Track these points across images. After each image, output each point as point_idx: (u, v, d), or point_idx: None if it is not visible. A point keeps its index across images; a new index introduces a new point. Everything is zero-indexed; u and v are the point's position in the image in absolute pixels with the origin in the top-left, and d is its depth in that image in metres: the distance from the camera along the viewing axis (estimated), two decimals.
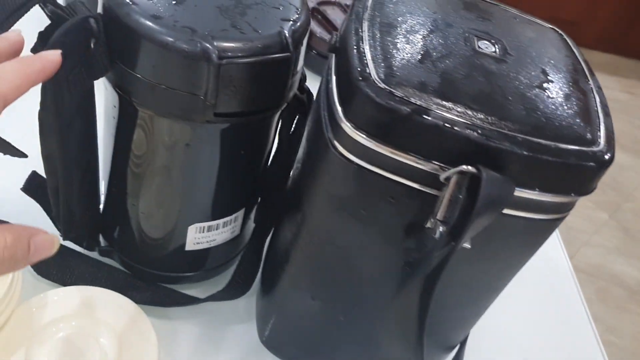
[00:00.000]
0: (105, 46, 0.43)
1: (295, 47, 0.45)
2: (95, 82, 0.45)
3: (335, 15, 0.90)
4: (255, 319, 0.59)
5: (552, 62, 0.42)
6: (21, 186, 0.54)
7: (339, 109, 0.39)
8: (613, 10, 2.98)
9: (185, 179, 0.51)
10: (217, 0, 0.45)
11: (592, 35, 3.04)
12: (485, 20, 0.44)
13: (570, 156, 0.36)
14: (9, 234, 0.30)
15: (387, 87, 0.36)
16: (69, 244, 0.57)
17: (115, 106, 0.48)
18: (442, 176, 0.36)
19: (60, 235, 0.56)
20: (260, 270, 0.60)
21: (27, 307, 0.52)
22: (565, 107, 0.39)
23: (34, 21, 0.43)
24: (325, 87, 0.43)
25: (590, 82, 0.43)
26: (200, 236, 0.55)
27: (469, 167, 0.35)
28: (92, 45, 0.43)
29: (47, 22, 0.43)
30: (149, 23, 0.41)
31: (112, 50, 0.43)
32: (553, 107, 0.38)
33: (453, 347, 0.54)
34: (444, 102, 0.36)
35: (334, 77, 0.41)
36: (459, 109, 0.36)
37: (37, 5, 0.42)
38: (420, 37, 0.40)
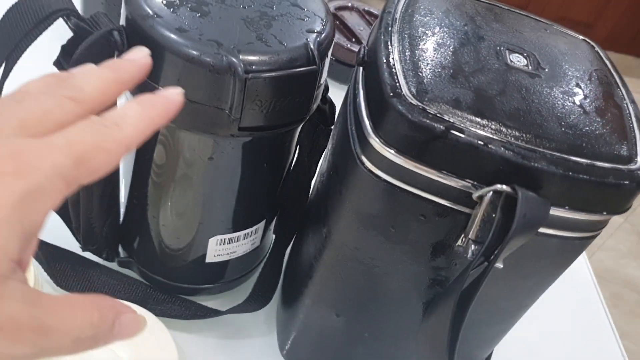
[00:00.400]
0: None
1: (321, 59, 0.44)
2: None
3: (354, 21, 0.90)
4: (276, 331, 0.58)
5: (585, 75, 0.41)
6: None
7: (368, 124, 0.38)
8: (624, 11, 2.96)
9: (207, 191, 0.50)
10: (242, 12, 0.44)
11: (603, 36, 3.01)
12: (516, 32, 0.43)
13: (607, 175, 0.35)
14: (96, 311, 0.27)
15: (419, 103, 0.35)
16: (89, 255, 0.57)
17: None
18: (476, 194, 0.36)
19: (80, 247, 0.55)
20: (280, 282, 0.59)
21: None
22: (601, 123, 0.38)
23: (55, 34, 0.42)
24: (352, 100, 0.42)
25: (624, 94, 0.42)
26: (220, 248, 0.54)
27: (505, 187, 0.34)
28: (115, 58, 0.42)
29: (69, 34, 0.42)
30: (173, 36, 0.40)
31: None
32: (588, 123, 0.37)
33: None
34: (479, 119, 0.35)
35: (362, 92, 0.40)
36: (494, 127, 0.35)
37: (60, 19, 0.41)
38: (452, 50, 0.39)
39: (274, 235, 0.61)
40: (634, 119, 0.39)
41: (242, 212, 0.53)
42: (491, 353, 0.54)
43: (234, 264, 0.57)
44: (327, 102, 0.53)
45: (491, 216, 0.35)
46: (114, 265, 0.59)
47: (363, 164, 0.39)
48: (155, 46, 0.41)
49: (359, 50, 0.42)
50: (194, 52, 0.40)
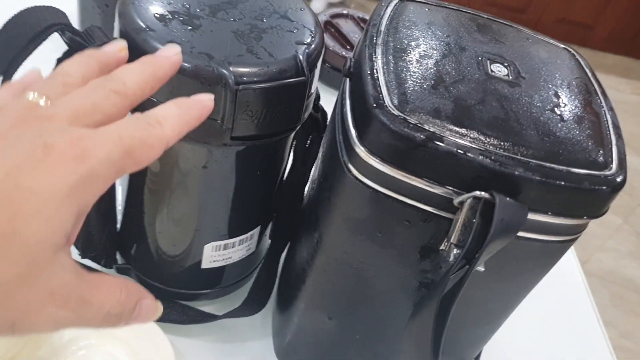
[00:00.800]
0: None
1: (310, 70, 0.45)
2: None
3: (348, 28, 0.91)
4: (271, 335, 0.59)
5: (564, 83, 0.43)
6: None
7: (354, 133, 0.39)
8: (624, 12, 2.97)
9: (202, 199, 0.51)
10: (232, 25, 0.45)
11: (603, 37, 3.02)
12: (498, 43, 0.44)
13: (583, 181, 0.37)
14: (124, 291, 0.30)
15: (401, 114, 0.37)
16: (88, 262, 0.58)
17: None
18: (456, 200, 0.37)
19: (79, 254, 0.57)
20: (276, 286, 0.61)
21: None
22: (578, 131, 0.39)
23: (51, 47, 0.44)
24: (340, 110, 0.43)
25: (602, 102, 0.43)
26: (216, 254, 0.55)
27: (483, 193, 0.36)
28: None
29: (64, 47, 0.44)
30: None
31: None
32: (566, 130, 0.39)
33: None
34: (458, 129, 0.37)
35: (348, 102, 0.41)
36: (472, 135, 0.36)
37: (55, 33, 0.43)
38: (434, 61, 0.41)
39: (269, 241, 0.62)
40: (610, 126, 0.41)
41: (237, 218, 0.54)
42: (480, 352, 0.55)
43: (230, 270, 0.59)
44: (320, 110, 0.55)
45: (471, 221, 0.36)
46: (112, 272, 0.60)
47: (350, 171, 0.40)
48: None
49: (345, 62, 0.44)
50: (186, 65, 0.41)
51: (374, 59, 0.40)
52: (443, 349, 0.40)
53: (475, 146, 0.36)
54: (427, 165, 0.37)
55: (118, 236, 0.58)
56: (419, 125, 0.36)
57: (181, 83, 0.42)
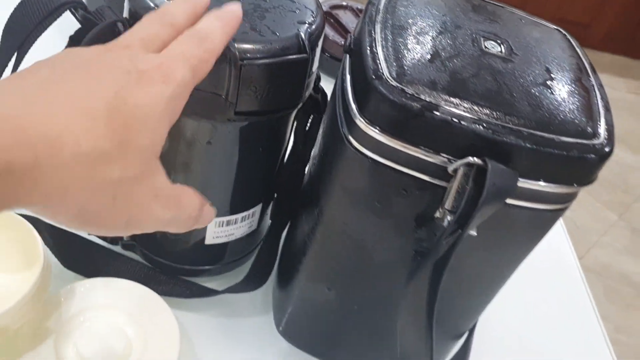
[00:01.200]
0: None
1: (312, 48, 0.47)
2: None
3: (347, 19, 0.93)
4: (272, 310, 0.61)
5: (556, 61, 0.45)
6: None
7: (354, 106, 0.41)
8: (621, 11, 3.00)
9: (206, 175, 0.53)
10: None
11: (600, 36, 3.05)
12: (492, 22, 0.46)
13: (572, 149, 0.38)
14: (198, 197, 0.37)
15: (399, 85, 0.38)
16: (94, 238, 0.60)
17: None
18: (450, 168, 0.39)
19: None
20: (276, 263, 0.62)
21: (56, 298, 0.55)
22: (568, 103, 0.41)
23: (64, 25, 0.46)
24: (340, 86, 0.45)
25: (592, 79, 0.45)
26: (219, 230, 0.57)
27: (476, 159, 0.37)
28: None
29: (77, 26, 0.45)
30: None
31: None
32: (556, 103, 0.41)
33: (461, 335, 0.56)
34: (453, 99, 0.38)
35: (348, 77, 0.43)
36: (466, 105, 0.38)
37: (68, 11, 0.45)
38: (430, 38, 0.43)
39: (270, 220, 0.64)
40: (599, 101, 0.43)
41: (240, 195, 0.56)
42: (474, 325, 0.57)
43: (233, 246, 0.61)
44: (320, 91, 0.57)
45: (464, 187, 0.38)
46: (117, 248, 0.62)
47: (350, 143, 0.42)
48: None
49: (346, 39, 0.46)
50: None
51: (373, 35, 0.42)
52: (437, 319, 0.42)
53: (469, 115, 0.38)
54: (424, 133, 0.38)
55: None
56: (415, 95, 0.38)
57: None
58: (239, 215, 0.57)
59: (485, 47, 0.43)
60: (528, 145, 0.38)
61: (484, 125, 0.37)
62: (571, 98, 0.42)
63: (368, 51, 0.41)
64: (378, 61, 0.40)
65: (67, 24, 0.46)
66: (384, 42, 0.41)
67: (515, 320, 0.70)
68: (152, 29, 0.35)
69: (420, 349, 0.45)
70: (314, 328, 0.57)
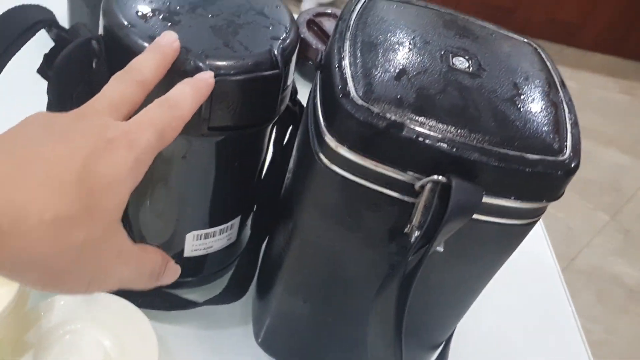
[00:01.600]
0: (106, 65, 0.46)
1: (285, 64, 0.47)
2: None
3: (331, 26, 0.93)
4: (251, 321, 0.61)
5: (524, 75, 0.45)
6: None
7: (323, 123, 0.41)
8: (612, 12, 3.00)
9: (183, 189, 0.54)
10: (210, 21, 0.47)
11: (592, 37, 3.05)
12: (462, 38, 0.47)
13: (537, 165, 0.39)
14: (160, 255, 0.38)
15: (365, 103, 0.39)
16: None
17: None
18: (417, 185, 0.39)
19: None
20: (256, 275, 0.63)
21: (35, 311, 0.55)
22: (535, 119, 0.41)
23: (38, 43, 0.46)
24: (312, 101, 0.45)
25: (561, 94, 0.45)
26: (197, 243, 0.58)
27: (441, 177, 0.38)
28: (94, 65, 0.46)
29: (52, 44, 0.46)
30: (146, 44, 0.44)
31: (113, 69, 0.46)
32: (523, 118, 0.41)
33: (438, 346, 0.57)
34: (418, 117, 0.39)
35: (318, 93, 0.44)
36: (432, 123, 0.39)
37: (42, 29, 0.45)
38: (398, 55, 0.43)
39: (250, 231, 0.65)
40: (567, 116, 0.43)
41: (218, 208, 0.56)
42: (451, 335, 0.57)
43: (212, 258, 0.61)
44: (297, 103, 0.57)
45: (431, 203, 0.38)
46: None
47: (321, 160, 0.42)
48: (130, 53, 0.44)
49: (317, 55, 0.46)
50: None
51: (342, 52, 0.42)
52: (410, 331, 0.42)
53: (434, 133, 0.38)
54: (390, 151, 0.39)
55: None
56: (381, 114, 0.38)
57: None
58: (217, 228, 0.58)
59: (453, 63, 0.44)
60: (492, 162, 0.38)
61: (449, 143, 0.38)
62: (538, 113, 0.42)
63: (336, 68, 0.41)
64: (346, 79, 0.40)
65: (43, 40, 0.46)
66: (352, 59, 0.42)
67: (494, 326, 0.70)
68: (120, 91, 0.37)
69: None
70: (292, 340, 0.57)
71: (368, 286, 0.47)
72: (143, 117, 0.35)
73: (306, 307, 0.52)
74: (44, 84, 0.45)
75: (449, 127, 0.39)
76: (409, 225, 0.41)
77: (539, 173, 0.39)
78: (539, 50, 0.50)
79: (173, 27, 0.46)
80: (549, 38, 3.01)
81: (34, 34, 0.44)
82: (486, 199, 0.39)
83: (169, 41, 0.42)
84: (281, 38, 0.49)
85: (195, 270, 0.62)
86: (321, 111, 0.42)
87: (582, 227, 2.20)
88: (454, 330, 0.57)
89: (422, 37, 0.45)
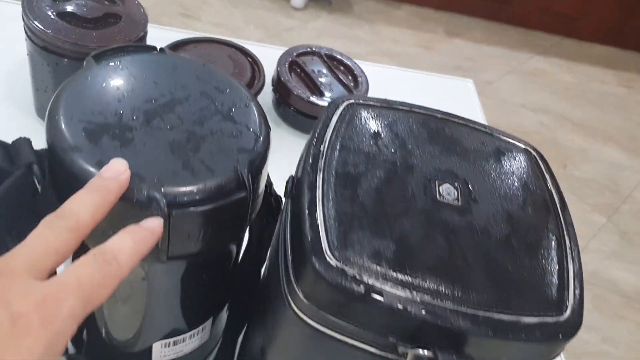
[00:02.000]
0: (52, 189, 0.41)
1: (254, 180, 0.42)
2: None
3: (314, 66, 0.88)
4: None
5: (520, 202, 0.40)
6: None
7: (292, 273, 0.37)
8: (610, 2, 2.94)
9: (145, 305, 0.49)
10: (168, 135, 0.42)
11: (589, 28, 2.99)
12: (450, 153, 0.42)
13: (534, 331, 0.34)
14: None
15: (338, 263, 0.34)
16: None
17: None
18: (400, 350, 0.35)
19: None
20: None
21: None
22: (532, 266, 0.37)
23: None
24: (282, 233, 0.41)
25: (562, 220, 0.41)
26: (166, 350, 0.53)
27: (425, 351, 0.33)
28: (39, 189, 0.41)
29: None
30: (94, 170, 0.39)
31: (60, 194, 0.41)
32: (518, 268, 0.36)
33: None
34: (399, 276, 0.34)
35: (288, 230, 0.39)
36: (415, 283, 0.34)
37: None
38: (377, 189, 0.38)
39: (226, 316, 0.60)
40: (568, 250, 0.38)
41: (186, 316, 0.52)
42: None
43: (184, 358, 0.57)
44: (273, 196, 0.52)
45: None
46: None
47: (290, 306, 0.38)
48: (77, 181, 0.39)
49: (288, 181, 0.41)
50: None
51: (314, 189, 0.38)
52: None
53: (417, 299, 0.33)
54: (367, 316, 0.34)
55: None
56: (357, 276, 0.34)
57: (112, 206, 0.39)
58: (187, 334, 0.53)
59: (440, 194, 0.39)
60: (484, 331, 0.34)
61: (435, 311, 0.33)
62: (535, 258, 0.37)
63: (307, 214, 0.36)
64: (318, 230, 0.35)
65: None
66: (324, 200, 0.37)
67: None
68: (47, 242, 0.31)
69: None
70: None
71: None
72: (69, 277, 0.29)
73: None
74: None
75: (435, 288, 0.34)
76: None
77: (536, 339, 0.34)
78: (537, 158, 0.45)
79: (125, 148, 0.41)
80: (546, 29, 2.95)
81: None
82: None
83: (115, 173, 0.37)
84: (249, 149, 0.43)
85: None
86: (291, 257, 0.37)
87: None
88: None
89: (405, 159, 0.40)
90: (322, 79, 0.86)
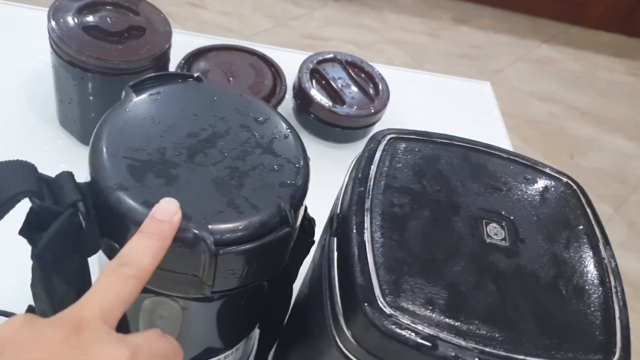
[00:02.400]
0: (95, 227, 0.41)
1: (296, 214, 0.43)
2: None
3: (335, 73, 0.87)
4: None
5: (565, 239, 0.41)
6: None
7: (340, 314, 0.37)
8: None
9: (184, 330, 0.49)
10: (212, 172, 0.42)
11: (596, 15, 2.97)
12: (493, 190, 0.42)
13: None
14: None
15: (392, 311, 0.34)
16: None
17: None
18: None
19: None
20: None
21: None
22: (578, 309, 0.37)
23: None
24: (327, 271, 0.41)
25: (604, 255, 0.41)
26: None
27: None
28: (83, 226, 0.41)
29: None
30: (141, 210, 0.39)
31: (104, 231, 0.42)
32: (567, 312, 0.37)
33: None
34: (453, 323, 0.34)
35: (336, 272, 0.39)
36: (468, 331, 0.34)
37: None
38: (425, 230, 0.38)
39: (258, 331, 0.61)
40: (613, 296, 0.39)
41: (222, 340, 0.52)
42: None
43: None
44: (307, 219, 0.52)
45: None
46: None
47: (337, 345, 0.38)
48: (124, 220, 0.40)
49: (332, 219, 0.41)
50: None
51: (362, 232, 0.38)
52: None
53: (471, 347, 0.34)
54: None
55: None
56: (412, 325, 0.34)
57: None
58: (222, 355, 0.54)
59: (487, 234, 0.39)
60: None
61: (487, 359, 0.34)
62: (581, 300, 0.38)
63: (357, 260, 0.36)
64: (370, 278, 0.35)
65: None
66: (374, 244, 0.37)
67: None
68: (115, 293, 0.31)
69: None
70: None
71: None
72: (143, 344, 0.31)
73: None
74: None
75: (487, 337, 0.34)
76: None
77: None
78: (578, 192, 0.45)
79: (170, 186, 0.41)
80: (554, 17, 2.93)
81: (13, 207, 0.39)
82: None
83: (169, 215, 0.37)
84: (291, 183, 0.44)
85: None
86: (339, 298, 0.38)
87: None
88: None
89: (449, 198, 0.41)
90: (343, 87, 0.86)
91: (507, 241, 0.39)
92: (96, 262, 0.48)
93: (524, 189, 0.43)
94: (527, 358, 0.34)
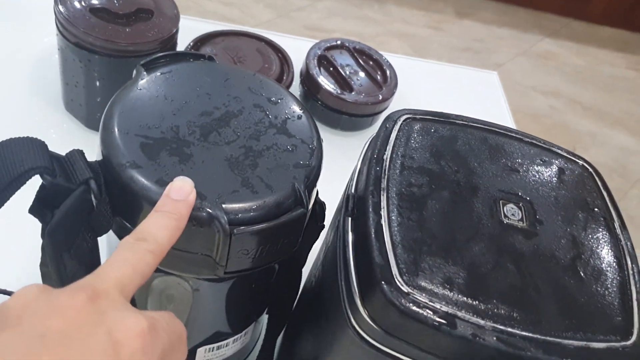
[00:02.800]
0: (107, 205, 0.41)
1: (309, 195, 0.42)
2: None
3: (343, 60, 0.87)
4: None
5: (582, 221, 0.40)
6: None
7: (358, 296, 0.37)
8: None
9: (194, 313, 0.49)
10: (226, 151, 0.42)
11: (600, 9, 2.96)
12: (511, 171, 0.42)
13: (603, 357, 0.34)
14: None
15: (411, 290, 0.34)
16: None
17: None
18: None
19: None
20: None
21: None
22: (597, 290, 0.37)
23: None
24: (342, 251, 0.40)
25: (622, 241, 0.40)
26: (210, 354, 0.53)
27: None
28: (94, 206, 0.41)
29: None
30: (155, 189, 0.39)
31: (117, 208, 0.41)
32: (586, 292, 0.36)
33: None
34: (472, 302, 0.34)
35: (351, 251, 0.39)
36: (487, 311, 0.34)
37: None
38: (444, 211, 0.38)
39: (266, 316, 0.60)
40: (631, 279, 0.38)
41: (231, 323, 0.52)
42: None
43: None
44: (318, 203, 0.52)
45: None
46: None
47: (352, 326, 0.37)
48: (137, 198, 0.39)
49: (347, 198, 0.41)
50: None
51: (379, 211, 0.37)
52: None
53: (490, 327, 0.33)
54: (437, 344, 0.34)
55: None
56: (430, 304, 0.34)
57: None
58: (230, 339, 0.53)
59: (505, 215, 0.39)
60: (554, 358, 0.33)
61: (506, 339, 0.33)
62: (600, 281, 0.37)
63: (374, 239, 0.36)
64: (387, 257, 0.35)
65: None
66: (391, 223, 0.37)
67: None
68: (131, 262, 0.31)
69: None
70: None
71: None
72: (161, 319, 0.30)
73: None
74: None
75: (507, 317, 0.34)
76: None
77: None
78: (594, 174, 0.44)
79: (184, 165, 0.40)
80: (556, 11, 2.92)
81: (24, 183, 0.38)
82: None
83: (184, 194, 0.37)
84: (305, 163, 0.43)
85: None
86: (355, 278, 0.37)
87: None
88: None
89: (468, 179, 0.40)
90: (351, 74, 0.85)
91: (525, 222, 0.39)
92: (104, 243, 0.47)
93: (541, 171, 0.43)
94: (547, 338, 0.34)
